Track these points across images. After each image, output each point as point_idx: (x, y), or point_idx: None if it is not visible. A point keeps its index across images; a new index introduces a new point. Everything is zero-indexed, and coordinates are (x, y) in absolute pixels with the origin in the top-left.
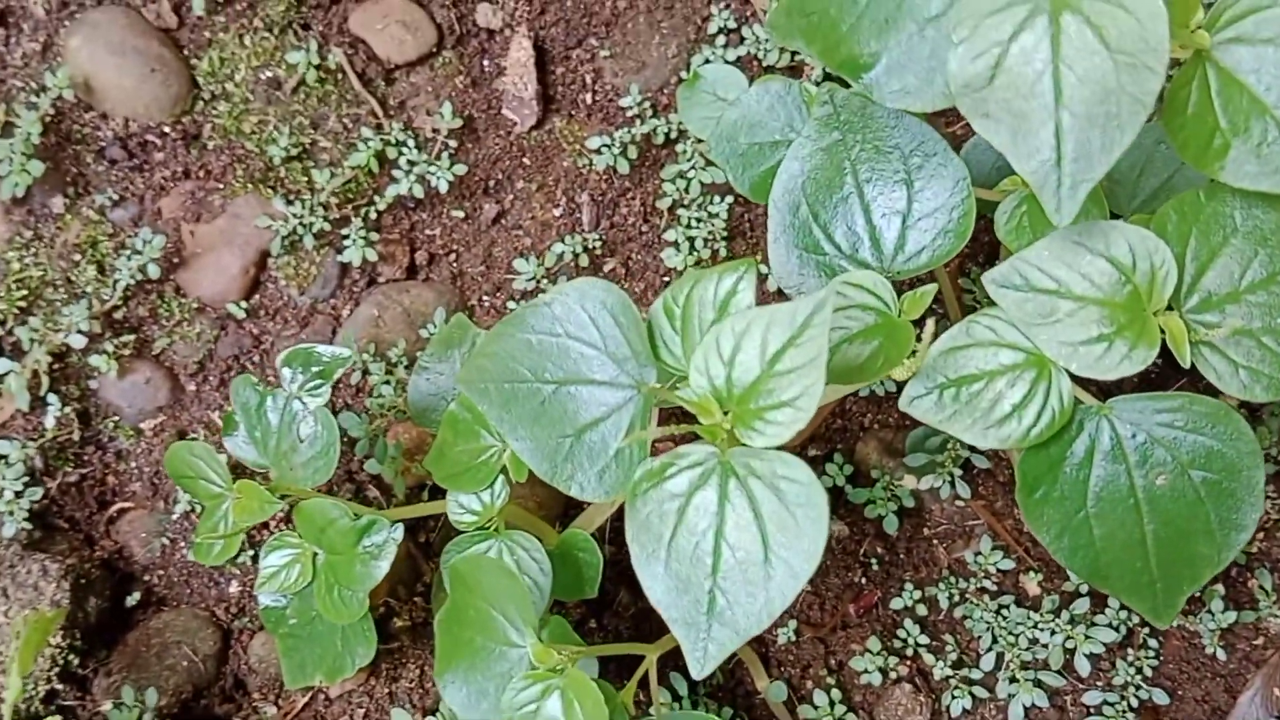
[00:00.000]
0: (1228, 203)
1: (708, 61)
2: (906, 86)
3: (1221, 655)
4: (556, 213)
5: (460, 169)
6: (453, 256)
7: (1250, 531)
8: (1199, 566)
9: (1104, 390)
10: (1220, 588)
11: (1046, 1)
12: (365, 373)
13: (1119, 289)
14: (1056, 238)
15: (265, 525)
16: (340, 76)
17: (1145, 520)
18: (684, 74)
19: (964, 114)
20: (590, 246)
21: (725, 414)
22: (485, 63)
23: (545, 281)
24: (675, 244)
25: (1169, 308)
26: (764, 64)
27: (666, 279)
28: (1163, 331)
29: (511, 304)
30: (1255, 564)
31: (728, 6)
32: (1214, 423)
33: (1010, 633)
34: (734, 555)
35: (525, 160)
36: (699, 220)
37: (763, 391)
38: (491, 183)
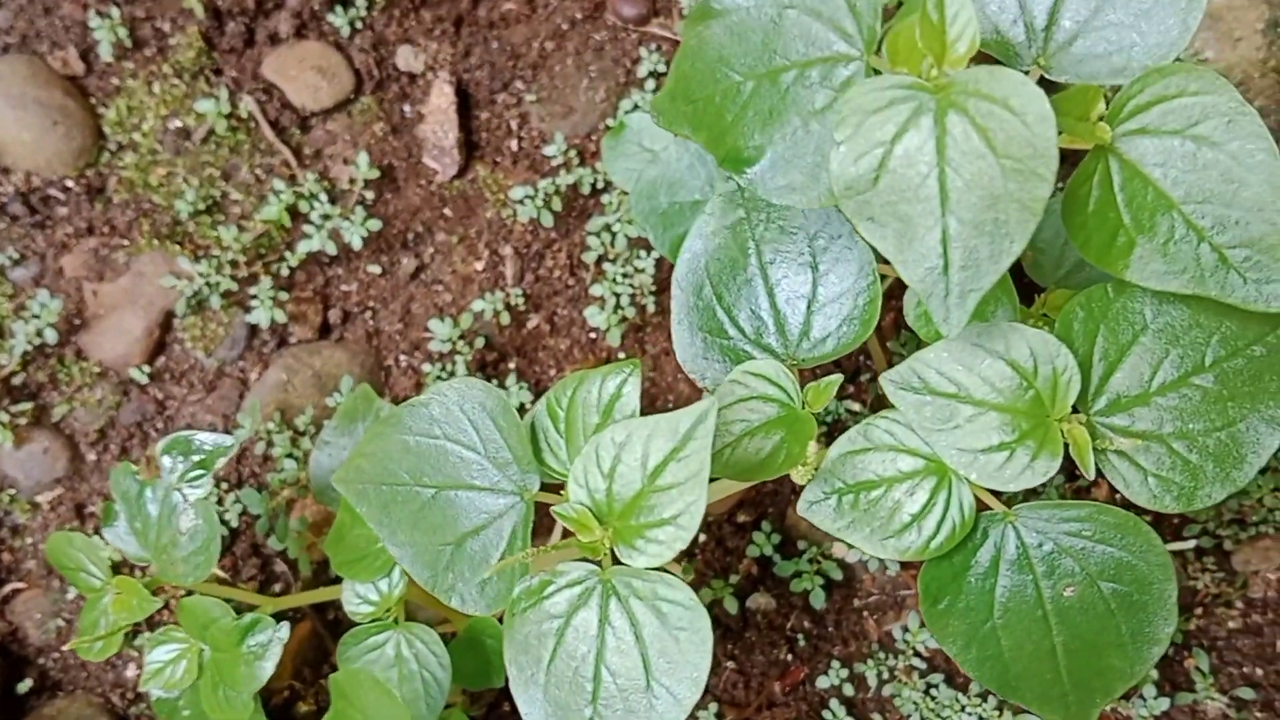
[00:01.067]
0: (1137, 298)
1: (636, 108)
2: (792, 183)
3: None
4: (479, 266)
5: (375, 224)
6: (368, 314)
7: (1164, 645)
8: (1111, 679)
9: (1011, 494)
10: (1154, 671)
11: (931, 101)
12: (269, 444)
13: (1020, 394)
14: (956, 338)
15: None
16: (253, 125)
17: (1055, 632)
18: (612, 120)
19: (848, 217)
20: (513, 303)
21: (606, 529)
22: (405, 109)
23: (461, 343)
24: (601, 300)
25: (1075, 409)
26: None
27: (593, 335)
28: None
29: (428, 366)
30: (1192, 642)
31: (658, 49)
32: (1123, 534)
33: (938, 715)
34: (615, 681)
35: (446, 211)
36: (625, 275)
37: (644, 507)
38: (410, 235)
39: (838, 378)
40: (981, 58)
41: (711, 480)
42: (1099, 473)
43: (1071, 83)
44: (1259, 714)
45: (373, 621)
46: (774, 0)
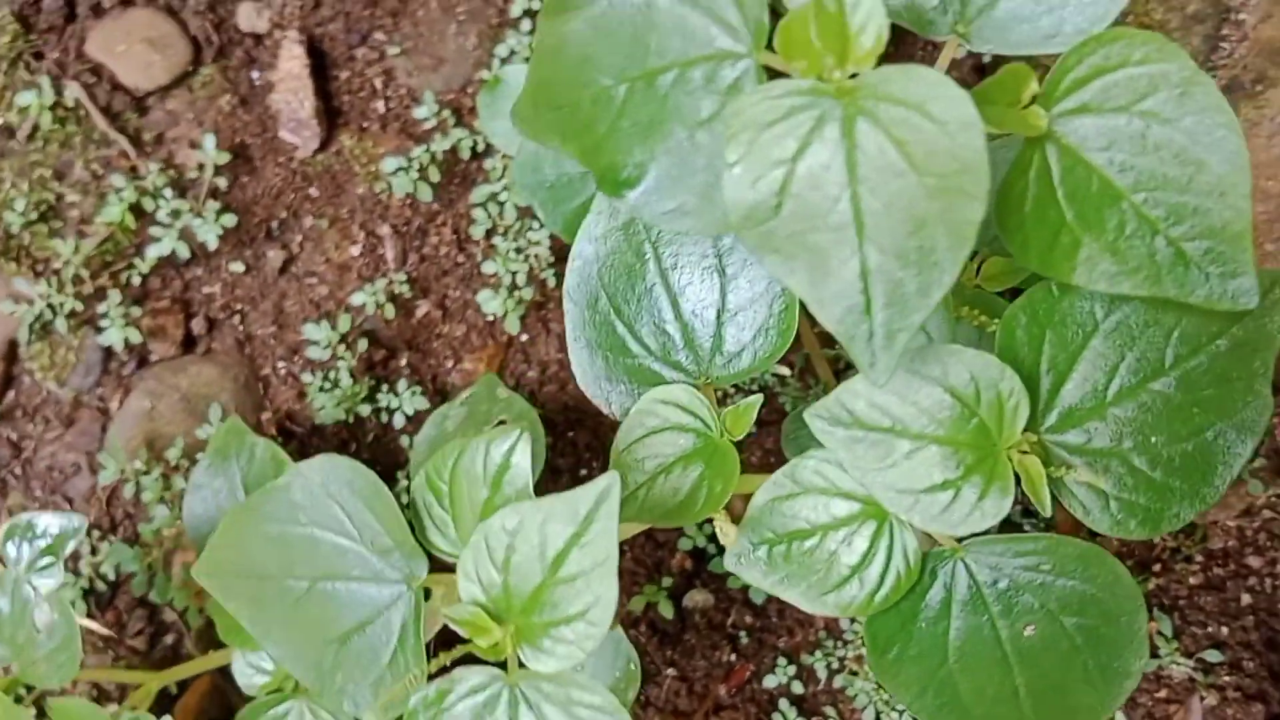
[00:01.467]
0: (1086, 295)
1: (513, 54)
2: (682, 206)
3: (1120, 717)
4: (355, 251)
5: (231, 218)
6: (236, 319)
7: (1136, 679)
8: (1081, 717)
9: None
10: None
11: (836, 108)
12: (138, 487)
13: (963, 424)
14: None
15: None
16: (83, 114)
17: (1016, 673)
18: (488, 71)
19: (749, 251)
20: (397, 290)
21: (506, 628)
22: (254, 76)
23: (343, 349)
24: (495, 279)
25: (1025, 428)
26: None
27: (491, 320)
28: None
29: (309, 376)
30: (1153, 604)
31: None
32: (1085, 565)
33: (892, 706)
34: None
35: (312, 191)
36: (519, 250)
37: (547, 603)
38: (274, 224)
39: (758, 399)
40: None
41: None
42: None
43: (998, 54)
44: (1226, 677)
45: (271, 693)
46: None
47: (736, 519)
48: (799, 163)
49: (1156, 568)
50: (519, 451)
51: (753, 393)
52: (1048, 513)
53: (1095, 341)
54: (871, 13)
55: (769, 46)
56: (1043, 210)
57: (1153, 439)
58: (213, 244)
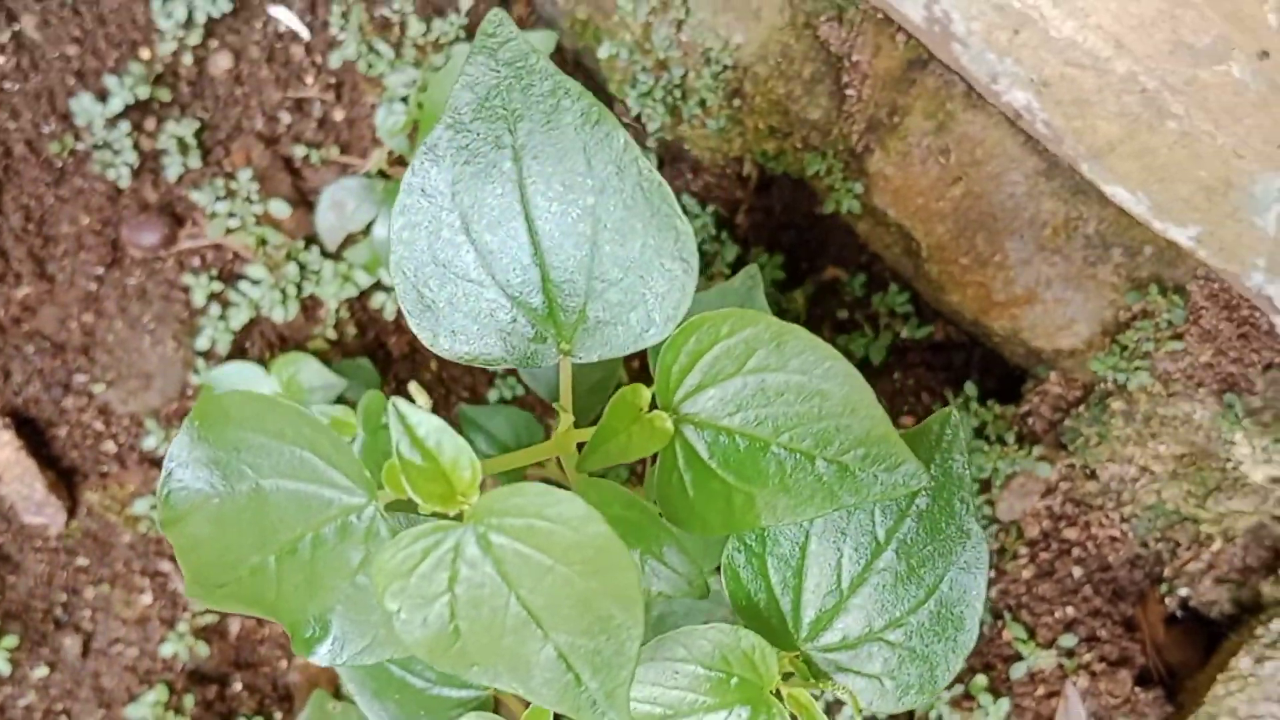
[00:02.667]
0: None
1: (214, 343)
2: (376, 640)
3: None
4: (147, 600)
5: (14, 629)
6: (65, 718)
7: None
8: None
9: None
10: (981, 677)
11: (467, 530)
12: None
13: (725, 685)
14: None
15: None
16: None
17: None
18: (195, 373)
19: (450, 673)
20: (202, 622)
21: None
22: None
23: (172, 715)
24: None
25: (785, 648)
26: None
27: None
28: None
29: None
30: (1000, 610)
31: (203, 261)
32: None
33: None
34: None
35: (81, 561)
36: None
37: None
38: (58, 610)
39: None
40: None
41: None
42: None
43: (603, 359)
44: (1087, 655)
45: None
46: (241, 481)
47: None
48: (457, 587)
49: (992, 574)
50: None
51: None
52: None
53: (812, 546)
54: (459, 452)
55: (381, 486)
56: (706, 486)
57: (896, 612)
58: (4, 668)
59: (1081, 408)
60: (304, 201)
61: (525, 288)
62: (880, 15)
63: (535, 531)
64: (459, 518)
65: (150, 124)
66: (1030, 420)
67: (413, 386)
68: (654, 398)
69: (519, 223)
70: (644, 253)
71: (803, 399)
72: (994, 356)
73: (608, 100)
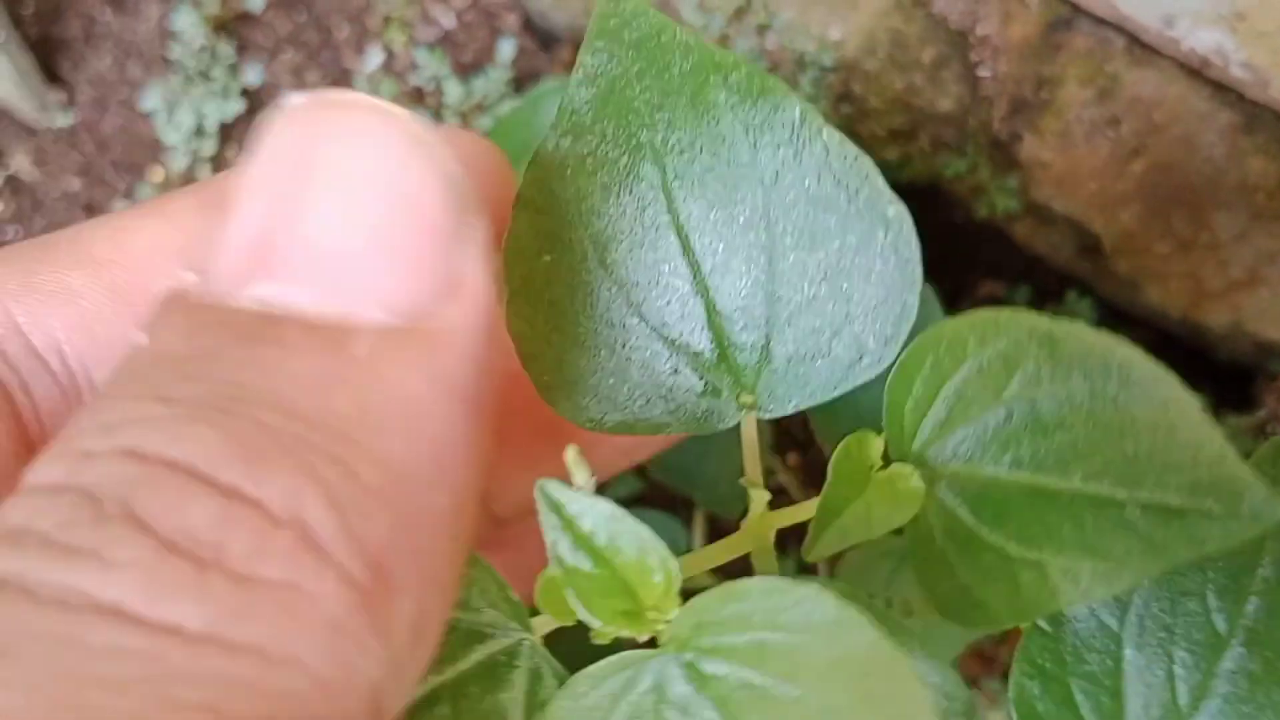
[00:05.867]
0: (1085, 613)
1: None
2: None
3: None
4: None
5: None
6: None
7: None
8: None
9: None
10: None
11: (669, 661)
12: None
13: None
14: None
15: None
16: None
17: None
18: None
19: None
20: None
21: None
22: None
23: None
24: None
25: None
26: None
27: None
28: None
29: None
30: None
31: None
32: None
33: None
34: None
35: None
36: None
37: None
38: None
39: None
40: None
41: None
42: None
43: (802, 408)
44: None
45: None
46: None
47: None
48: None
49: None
50: None
51: None
52: None
53: (1128, 656)
54: (644, 549)
55: (538, 610)
56: (977, 561)
57: None
58: None
59: None
60: None
61: (685, 325)
62: None
63: (768, 651)
64: (653, 643)
65: None
66: (1273, 428)
67: (571, 455)
68: (885, 448)
69: (669, 240)
70: (842, 256)
71: (1094, 424)
72: (1202, 357)
73: None
